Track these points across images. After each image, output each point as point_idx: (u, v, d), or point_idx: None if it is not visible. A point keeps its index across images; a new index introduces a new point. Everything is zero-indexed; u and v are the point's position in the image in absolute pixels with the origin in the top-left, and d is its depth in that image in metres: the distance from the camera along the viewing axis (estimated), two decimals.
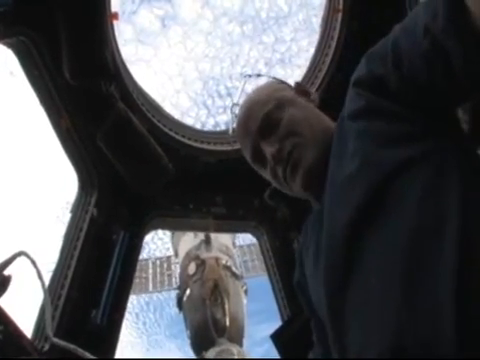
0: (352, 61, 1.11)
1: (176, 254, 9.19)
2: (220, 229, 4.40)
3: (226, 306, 6.49)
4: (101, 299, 2.99)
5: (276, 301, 3.60)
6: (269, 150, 1.13)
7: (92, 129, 2.96)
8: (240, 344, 6.54)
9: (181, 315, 7.37)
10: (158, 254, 14.09)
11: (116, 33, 3.07)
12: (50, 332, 1.76)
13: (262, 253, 3.94)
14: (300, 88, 1.28)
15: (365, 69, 0.96)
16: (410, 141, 0.87)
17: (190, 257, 7.39)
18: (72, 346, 1.64)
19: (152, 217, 3.63)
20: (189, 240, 7.93)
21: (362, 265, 0.84)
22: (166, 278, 10.70)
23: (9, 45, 2.58)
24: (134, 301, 16.16)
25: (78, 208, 3.16)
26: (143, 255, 11.51)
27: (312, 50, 3.79)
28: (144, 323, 18.41)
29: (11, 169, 13.68)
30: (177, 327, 16.89)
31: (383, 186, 0.85)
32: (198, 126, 7.84)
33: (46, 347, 2.40)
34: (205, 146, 3.75)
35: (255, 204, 3.77)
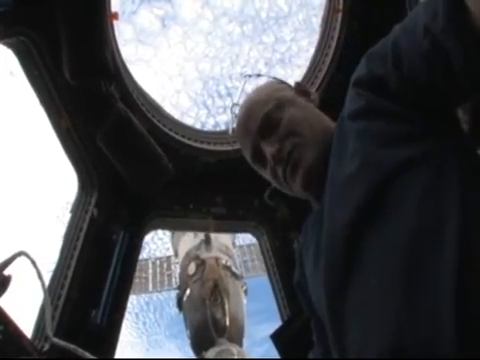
0: (352, 61, 1.11)
1: (176, 254, 9.19)
2: (220, 229, 4.40)
3: (226, 306, 6.49)
4: (101, 299, 2.99)
5: (276, 301, 3.60)
6: (269, 150, 1.13)
7: (92, 129, 2.96)
8: (240, 344, 6.54)
9: (181, 315, 7.37)
10: (158, 254, 14.11)
11: (116, 33, 3.07)
12: (50, 332, 1.76)
13: (262, 253, 3.94)
14: (300, 88, 1.28)
15: (365, 69, 0.96)
16: (410, 141, 0.87)
17: (190, 257, 7.39)
18: (72, 346, 1.64)
19: (152, 217, 3.63)
20: (189, 240, 7.93)
21: (362, 265, 0.84)
22: (166, 278, 10.70)
23: (9, 45, 2.58)
24: (134, 301, 16.17)
25: (78, 208, 3.16)
26: (143, 255, 11.53)
27: (312, 50, 3.79)
28: (144, 323, 18.43)
29: (11, 169, 13.69)
30: (177, 327, 16.90)
31: (383, 186, 0.85)
32: (198, 126, 7.83)
33: (46, 347, 2.40)
34: (205, 146, 3.75)
35: (255, 204, 3.78)
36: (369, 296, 0.81)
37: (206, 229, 4.68)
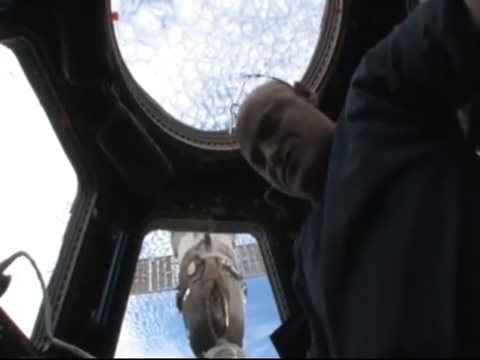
0: (352, 61, 1.11)
1: (176, 254, 9.19)
2: (220, 229, 4.40)
3: (226, 306, 6.48)
4: (101, 299, 2.99)
5: (276, 301, 3.60)
6: (268, 151, 1.13)
7: (92, 129, 2.95)
8: (240, 344, 6.54)
9: (181, 315, 7.37)
10: (158, 254, 14.10)
11: (116, 33, 3.07)
12: (50, 332, 1.76)
13: (262, 253, 3.94)
14: (300, 88, 1.28)
15: (365, 69, 0.96)
16: (410, 142, 0.87)
17: (190, 257, 7.39)
18: (72, 346, 1.64)
19: (152, 217, 3.63)
20: (189, 240, 7.92)
21: (362, 266, 0.84)
22: (166, 278, 10.70)
23: (9, 45, 2.57)
24: (134, 301, 16.17)
25: (78, 208, 3.16)
26: (143, 255, 11.53)
27: (312, 50, 3.79)
28: (144, 323, 18.44)
29: (11, 169, 13.68)
30: (177, 327, 16.92)
31: (383, 187, 0.85)
32: (198, 126, 7.84)
33: (46, 347, 2.40)
34: (205, 146, 3.75)
35: (255, 204, 3.77)
36: (369, 297, 0.81)
37: (206, 229, 4.68)
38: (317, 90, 3.44)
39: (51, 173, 13.98)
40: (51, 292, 2.70)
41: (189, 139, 3.71)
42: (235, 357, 5.91)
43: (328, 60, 3.46)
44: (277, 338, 2.82)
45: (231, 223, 4.06)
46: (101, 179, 3.24)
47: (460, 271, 0.70)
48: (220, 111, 16.10)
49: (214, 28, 15.47)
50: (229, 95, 15.92)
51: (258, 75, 1.55)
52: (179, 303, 7.39)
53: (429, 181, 0.82)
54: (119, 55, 3.15)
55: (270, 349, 2.90)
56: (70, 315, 2.74)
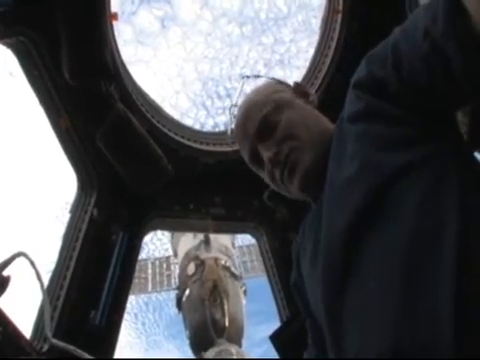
0: (352, 62, 1.11)
1: (175, 254, 9.18)
2: (219, 230, 4.40)
3: (225, 306, 6.48)
4: (100, 300, 2.98)
5: (275, 302, 3.60)
6: (266, 154, 1.13)
7: (91, 129, 2.95)
8: (239, 345, 6.53)
9: (180, 315, 7.36)
10: (157, 254, 14.09)
11: (116, 34, 3.07)
12: (49, 333, 1.75)
13: (261, 254, 3.94)
14: (299, 89, 1.28)
15: (365, 71, 0.96)
16: (409, 145, 0.87)
17: (189, 257, 7.38)
18: (71, 347, 1.63)
19: (151, 218, 3.63)
20: (188, 240, 7.91)
21: (361, 268, 0.84)
22: (165, 278, 10.70)
23: (9, 45, 2.57)
24: (133, 301, 16.16)
25: (77, 208, 3.16)
26: (142, 255, 11.52)
27: (311, 51, 3.79)
28: (143, 323, 18.41)
29: (10, 169, 13.67)
30: (176, 327, 16.89)
31: (382, 190, 0.85)
32: (197, 127, 7.84)
33: (45, 348, 2.39)
34: (204, 147, 3.75)
35: (254, 205, 3.77)
36: (367, 299, 0.81)
37: (205, 230, 4.67)
38: (316, 91, 3.44)
39: (51, 173, 13.98)
40: (50, 292, 2.70)
41: (189, 140, 3.72)
42: (234, 357, 5.90)
43: (328, 61, 3.46)
44: (276, 339, 2.82)
45: (231, 224, 4.06)
46: (101, 179, 3.23)
47: (459, 274, 0.70)
48: (219, 112, 16.10)
49: (214, 29, 15.49)
50: (228, 96, 15.93)
51: (257, 76, 1.55)
52: (178, 303, 7.38)
53: (429, 184, 0.82)
54: (119, 55, 3.15)
55: (269, 350, 2.91)
56: (69, 315, 2.74)
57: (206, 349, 6.16)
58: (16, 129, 13.24)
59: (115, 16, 3.01)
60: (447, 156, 0.85)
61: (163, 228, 4.58)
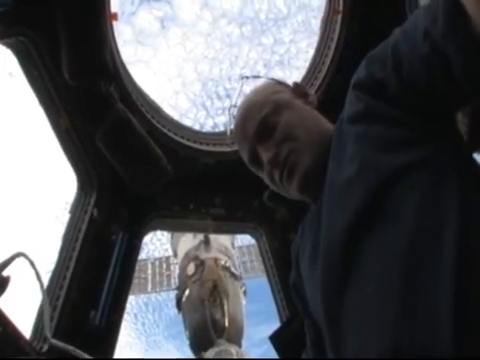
0: (352, 63, 1.10)
1: (175, 254, 9.18)
2: (219, 230, 4.39)
3: (225, 307, 6.47)
4: (100, 300, 2.98)
5: (275, 302, 3.60)
6: (265, 155, 1.13)
7: (91, 129, 2.95)
8: (239, 345, 6.52)
9: (180, 316, 7.36)
10: (157, 254, 14.09)
11: (115, 34, 3.07)
12: (48, 333, 1.75)
13: (261, 254, 3.94)
14: (298, 89, 1.27)
15: (365, 72, 0.96)
16: (409, 146, 0.87)
17: (189, 257, 7.37)
18: (70, 347, 1.63)
19: (151, 218, 3.63)
20: (188, 240, 7.91)
21: (360, 269, 0.84)
22: (165, 279, 10.69)
23: (8, 45, 2.57)
24: (133, 302, 16.16)
25: (77, 208, 3.16)
26: (142, 255, 11.52)
27: (311, 52, 3.79)
28: (143, 324, 18.42)
29: (10, 169, 13.67)
30: (176, 328, 16.87)
31: (382, 191, 0.85)
32: (197, 127, 7.84)
33: (45, 348, 2.39)
34: (204, 147, 3.75)
35: (254, 205, 3.77)
36: (367, 300, 0.81)
37: (205, 230, 4.66)
38: (316, 92, 3.44)
39: (50, 173, 13.98)
40: (50, 293, 2.70)
41: (188, 140, 3.72)
42: (234, 357, 5.90)
43: (328, 61, 3.46)
44: (276, 339, 2.82)
45: (230, 224, 4.06)
46: (100, 179, 3.23)
47: (459, 275, 0.70)
48: (219, 112, 16.12)
49: (213, 29, 15.50)
50: (228, 96, 15.93)
51: (256, 76, 1.55)
52: (178, 304, 7.38)
53: (428, 185, 0.82)
54: (119, 56, 3.15)
55: (269, 350, 2.90)
56: (69, 316, 2.74)
57: (206, 349, 6.15)
58: (16, 129, 13.25)
59: (115, 16, 3.01)
60: (447, 157, 0.85)
61: (163, 228, 4.58)
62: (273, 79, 1.35)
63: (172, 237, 9.59)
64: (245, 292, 7.54)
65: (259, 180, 1.29)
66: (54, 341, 1.70)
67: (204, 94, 16.15)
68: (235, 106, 1.32)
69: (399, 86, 0.88)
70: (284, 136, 1.11)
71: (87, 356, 1.63)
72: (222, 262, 7.16)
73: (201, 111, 16.04)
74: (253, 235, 4.05)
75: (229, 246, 8.11)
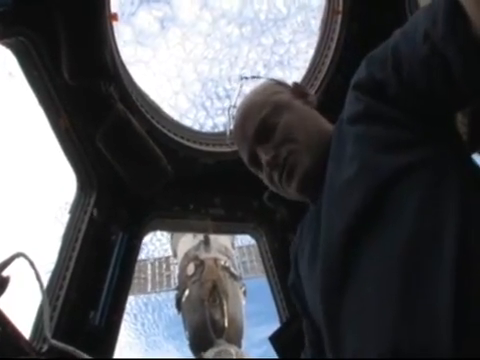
0: (352, 63, 1.10)
1: (175, 255, 9.18)
2: (219, 230, 4.39)
3: (225, 307, 6.47)
4: (100, 300, 2.98)
5: (275, 302, 3.60)
6: (265, 157, 1.13)
7: (91, 130, 2.95)
8: (239, 345, 6.52)
9: (180, 316, 7.36)
10: (157, 255, 14.08)
11: (115, 34, 3.07)
12: (48, 333, 1.75)
13: (261, 254, 3.94)
14: (298, 89, 1.27)
15: (365, 72, 0.96)
16: (409, 147, 0.87)
17: (189, 258, 7.37)
18: (70, 347, 1.63)
19: (151, 218, 3.63)
20: (188, 241, 7.91)
21: (359, 271, 0.84)
22: (165, 279, 10.68)
23: (8, 45, 2.57)
24: (132, 302, 16.14)
25: (77, 209, 3.16)
26: (142, 256, 11.50)
27: (311, 52, 3.79)
28: (143, 324, 18.39)
29: (10, 169, 13.67)
30: (176, 328, 16.86)
31: (381, 192, 0.84)
32: (197, 127, 7.81)
33: (44, 348, 2.39)
34: (204, 148, 3.75)
35: (254, 205, 3.77)
36: (366, 301, 0.81)
37: (205, 230, 4.66)
38: (316, 92, 3.44)
39: (50, 173, 13.97)
40: (50, 293, 2.70)
41: (188, 140, 3.72)
42: (234, 358, 5.90)
43: (327, 62, 3.46)
44: (276, 340, 2.82)
45: (230, 224, 4.06)
46: (100, 180, 3.24)
47: (459, 276, 0.70)
48: (219, 112, 16.10)
49: (213, 29, 15.49)
50: (228, 96, 15.92)
51: (256, 77, 1.55)
52: (178, 304, 7.37)
53: (428, 186, 0.82)
54: (118, 56, 3.15)
55: (269, 350, 2.90)
56: (69, 316, 2.74)
57: (205, 349, 6.15)
58: (16, 129, 13.24)
59: (115, 17, 3.01)
60: (447, 158, 0.85)
61: (163, 228, 4.58)
62: (273, 79, 1.34)
63: (172, 237, 9.59)
64: (245, 292, 7.54)
65: (259, 180, 1.29)
66: (54, 341, 1.70)
67: (204, 94, 16.17)
68: (235, 106, 1.32)
69: (399, 87, 0.87)
70: (283, 137, 1.11)
71: (87, 356, 1.63)
72: (222, 262, 7.16)
73: (201, 111, 16.05)
74: (253, 235, 4.05)
75: (229, 246, 8.11)
